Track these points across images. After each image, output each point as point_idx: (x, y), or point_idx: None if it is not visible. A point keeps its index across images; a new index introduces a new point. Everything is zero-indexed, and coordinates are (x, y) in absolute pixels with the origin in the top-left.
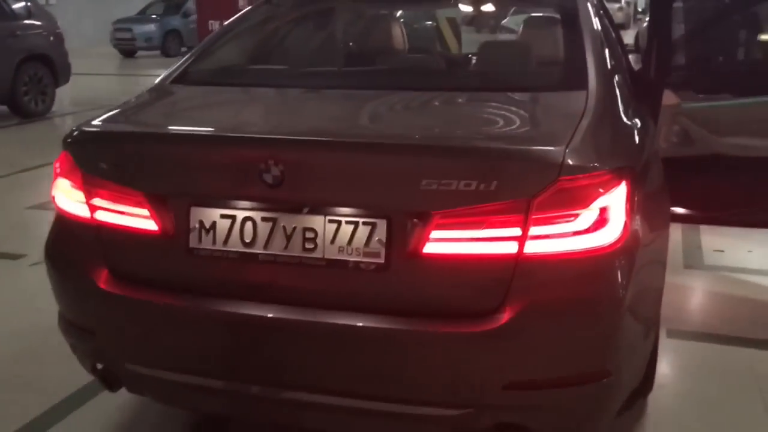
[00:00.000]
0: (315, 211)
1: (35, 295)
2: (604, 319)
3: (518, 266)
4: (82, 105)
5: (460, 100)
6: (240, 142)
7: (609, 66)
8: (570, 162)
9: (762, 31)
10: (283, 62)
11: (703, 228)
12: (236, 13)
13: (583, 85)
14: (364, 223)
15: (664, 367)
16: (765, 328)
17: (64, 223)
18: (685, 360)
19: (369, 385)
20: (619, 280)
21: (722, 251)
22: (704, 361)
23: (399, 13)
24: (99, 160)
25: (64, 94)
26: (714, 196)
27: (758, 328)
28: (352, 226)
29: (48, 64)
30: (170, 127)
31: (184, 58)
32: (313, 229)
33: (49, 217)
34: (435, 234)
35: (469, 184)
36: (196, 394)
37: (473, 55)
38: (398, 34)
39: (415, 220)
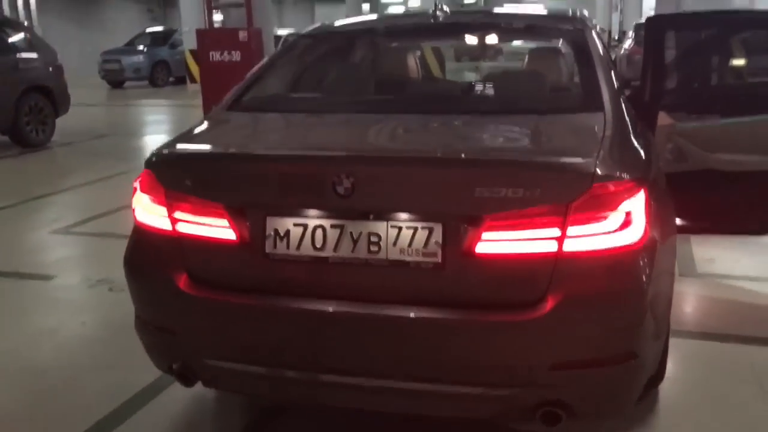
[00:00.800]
0: (379, 217)
1: (76, 310)
2: (631, 307)
3: (558, 262)
4: (81, 135)
5: (495, 120)
6: (315, 159)
7: (617, 90)
8: (601, 172)
9: (746, 56)
10: (324, 91)
11: (694, 239)
12: (237, 45)
13: (599, 107)
14: (422, 228)
15: (669, 363)
16: (758, 326)
17: (143, 234)
18: (688, 356)
19: (431, 369)
20: (643, 273)
21: (713, 260)
22: (706, 357)
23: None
24: (182, 178)
25: (62, 124)
26: (706, 208)
27: (752, 326)
28: (411, 231)
29: (48, 95)
30: (247, 148)
31: (235, 89)
32: (377, 234)
33: (72, 241)
34: (486, 235)
35: (517, 192)
36: (271, 383)
37: (492, 81)
38: (419, 64)
39: (468, 223)
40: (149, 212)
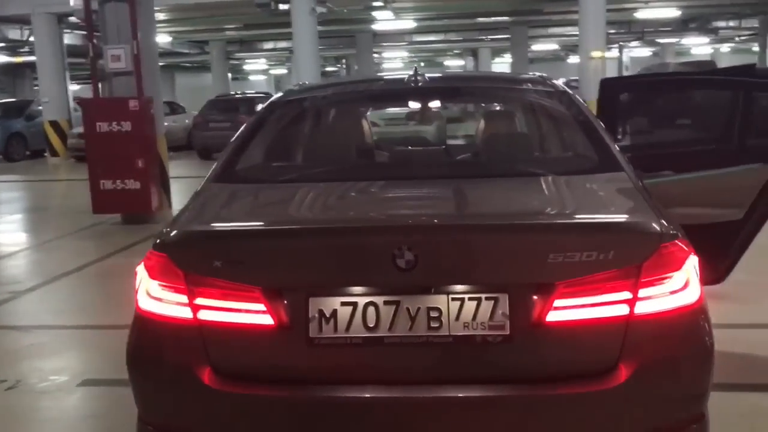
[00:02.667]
0: (439, 291)
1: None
2: (701, 366)
3: (629, 326)
4: None
5: (528, 183)
6: (371, 232)
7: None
8: (664, 231)
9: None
10: (328, 158)
11: None
12: (128, 115)
13: (618, 167)
14: (486, 299)
15: None
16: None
17: (152, 325)
18: None
19: None
20: (707, 331)
21: None
22: None
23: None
24: (207, 260)
25: None
26: None
27: (730, 374)
28: (475, 303)
29: None
30: (281, 223)
31: (222, 160)
32: (437, 308)
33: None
34: (558, 302)
35: (590, 255)
36: None
37: (492, 144)
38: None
39: (538, 291)
40: (162, 300)
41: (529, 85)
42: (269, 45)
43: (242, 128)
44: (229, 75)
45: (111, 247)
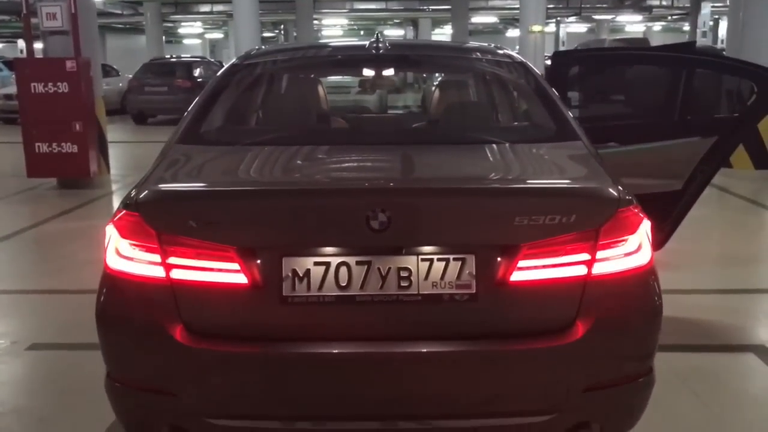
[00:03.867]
0: (409, 252)
1: None
2: (650, 323)
3: (587, 285)
4: None
5: (490, 150)
6: (346, 194)
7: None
8: (621, 197)
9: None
10: (297, 122)
11: None
12: (65, 75)
13: (575, 136)
14: (454, 259)
15: None
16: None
17: (121, 284)
18: None
19: (470, 404)
20: (657, 292)
21: None
22: None
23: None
24: (180, 220)
25: None
26: None
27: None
28: (443, 263)
29: None
30: (257, 183)
31: (187, 121)
32: (407, 269)
33: None
34: (522, 263)
35: (554, 218)
36: None
37: (451, 112)
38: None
39: (503, 252)
40: (133, 259)
41: (488, 55)
42: (206, 8)
43: (204, 90)
44: (163, 38)
45: (48, 212)
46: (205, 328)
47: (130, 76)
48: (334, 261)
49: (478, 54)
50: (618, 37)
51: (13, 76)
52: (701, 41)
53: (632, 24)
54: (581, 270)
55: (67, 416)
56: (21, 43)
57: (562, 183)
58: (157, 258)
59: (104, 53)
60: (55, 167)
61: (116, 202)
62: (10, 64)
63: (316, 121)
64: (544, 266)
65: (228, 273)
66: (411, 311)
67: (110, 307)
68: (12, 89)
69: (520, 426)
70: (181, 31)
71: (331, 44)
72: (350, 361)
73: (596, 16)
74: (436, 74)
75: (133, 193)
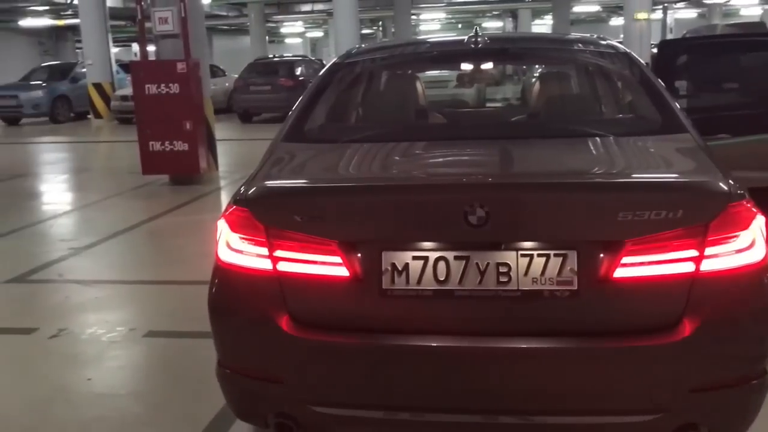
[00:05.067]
0: (508, 247)
1: (77, 365)
2: (764, 324)
3: (694, 283)
4: None
5: (596, 143)
6: (445, 189)
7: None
8: (732, 191)
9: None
10: (393, 119)
11: None
12: (175, 77)
13: (683, 128)
14: (555, 255)
15: None
16: None
17: (232, 275)
18: None
19: (572, 402)
20: None
21: None
22: None
23: None
24: (287, 214)
25: None
26: None
27: None
28: (543, 259)
29: None
30: (358, 179)
31: (291, 120)
32: (506, 264)
33: (32, 289)
34: (626, 260)
35: (659, 214)
36: (387, 427)
37: (553, 104)
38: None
39: (605, 248)
40: (242, 252)
41: (591, 46)
42: (306, 7)
43: (307, 89)
44: (266, 38)
45: (162, 207)
46: (309, 318)
47: (236, 75)
48: (433, 255)
49: (580, 45)
50: (731, 22)
51: (129, 78)
52: None
53: (747, 7)
54: (689, 267)
55: (180, 400)
56: (135, 47)
57: (668, 177)
58: (264, 251)
59: (211, 54)
60: (168, 164)
61: (224, 198)
62: (126, 66)
63: (415, 117)
64: (650, 263)
65: (330, 266)
66: (510, 307)
67: (221, 298)
68: (128, 91)
69: (625, 425)
70: (283, 30)
71: (429, 40)
72: (448, 355)
73: (706, 1)
74: (537, 66)
75: (243, 189)
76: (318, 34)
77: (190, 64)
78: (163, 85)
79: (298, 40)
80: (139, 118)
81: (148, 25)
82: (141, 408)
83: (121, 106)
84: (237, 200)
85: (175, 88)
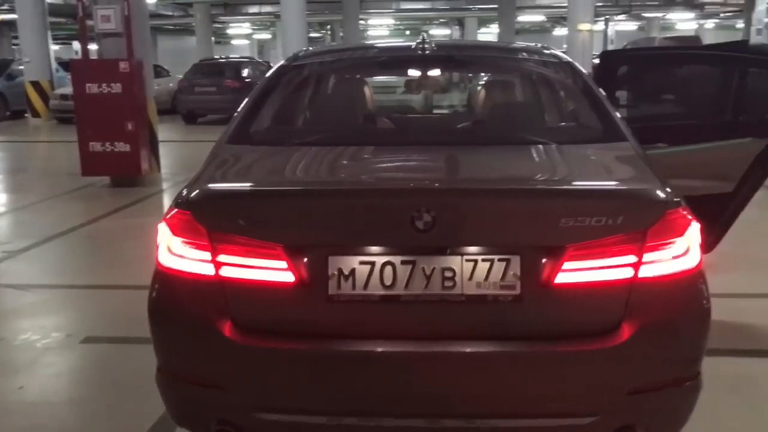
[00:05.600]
0: (454, 252)
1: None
2: (698, 328)
3: (633, 288)
4: None
5: (537, 150)
6: (393, 194)
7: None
8: (669, 199)
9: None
10: (342, 123)
11: None
12: (118, 76)
13: (623, 137)
14: (498, 260)
15: None
16: (719, 340)
17: (173, 281)
18: None
19: (513, 405)
20: (705, 295)
21: None
22: None
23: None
24: (231, 218)
25: None
26: None
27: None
28: (488, 264)
29: None
30: (306, 183)
31: (236, 122)
32: (451, 269)
33: None
34: (567, 265)
35: (600, 220)
36: None
37: (496, 112)
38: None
39: (548, 254)
40: (184, 256)
41: (535, 55)
42: (254, 9)
43: (253, 91)
44: (212, 39)
45: (101, 209)
46: (253, 324)
47: (181, 76)
48: (379, 260)
49: (524, 54)
50: (669, 35)
51: (69, 76)
52: (756, 39)
53: (683, 22)
54: (628, 272)
55: (118, 408)
56: (76, 45)
57: (609, 184)
58: (207, 256)
59: (155, 54)
60: (109, 166)
61: (167, 200)
62: (66, 65)
63: (363, 122)
64: (590, 268)
65: (276, 271)
66: (455, 311)
67: (162, 303)
68: (67, 90)
69: (564, 427)
70: (229, 31)
71: (377, 45)
72: (394, 360)
73: (646, 14)
74: (482, 74)
75: (185, 192)
76: (266, 36)
77: (133, 63)
78: (104, 84)
79: (245, 41)
80: (79, 118)
81: (89, 22)
82: (77, 416)
83: (61, 105)
84: (179, 203)
85: (117, 87)
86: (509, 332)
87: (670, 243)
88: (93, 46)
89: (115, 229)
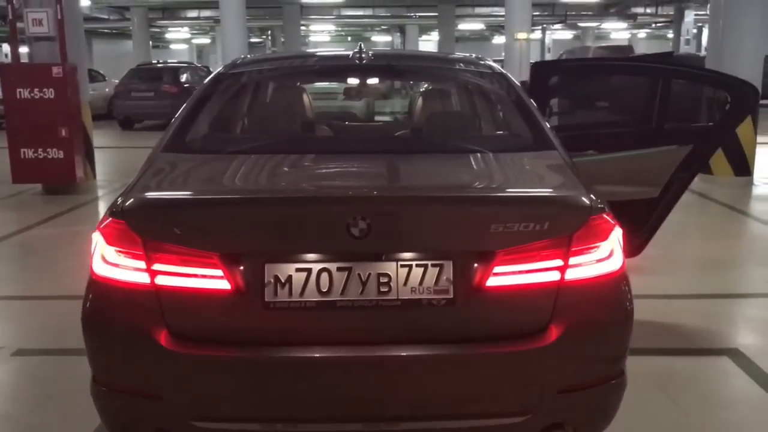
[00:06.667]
0: (389, 258)
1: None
2: (622, 327)
3: (560, 291)
4: None
5: (466, 159)
6: (328, 201)
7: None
8: (593, 205)
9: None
10: (280, 131)
11: None
12: (50, 82)
13: (551, 146)
14: (432, 265)
15: None
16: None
17: (107, 290)
18: None
19: (447, 406)
20: (628, 295)
21: None
22: None
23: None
24: (165, 227)
25: None
26: None
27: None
28: (422, 269)
29: None
30: (240, 192)
31: (172, 130)
32: (387, 274)
33: None
34: (498, 269)
35: (527, 226)
36: None
37: (430, 121)
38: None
39: (479, 258)
40: (118, 265)
41: (471, 66)
42: (193, 13)
43: (190, 99)
44: (150, 43)
45: (33, 218)
46: (189, 332)
47: (117, 81)
48: (316, 267)
49: (461, 64)
50: (603, 45)
51: None
52: (684, 49)
53: (617, 31)
54: (554, 276)
55: (54, 421)
56: (6, 48)
57: (536, 191)
58: (142, 265)
59: (91, 58)
60: (41, 173)
61: (102, 208)
62: None
63: (301, 130)
64: (519, 272)
65: (212, 279)
66: (391, 316)
67: (96, 313)
68: None
69: (496, 427)
70: (168, 36)
71: (315, 54)
72: (331, 365)
73: (581, 24)
74: (421, 83)
75: (120, 200)
76: (205, 40)
77: (67, 68)
78: (36, 89)
79: (184, 46)
80: (9, 124)
81: (20, 25)
82: (10, 431)
83: None
84: (113, 212)
85: (49, 93)
86: (443, 335)
87: (594, 247)
88: (24, 49)
89: (48, 238)
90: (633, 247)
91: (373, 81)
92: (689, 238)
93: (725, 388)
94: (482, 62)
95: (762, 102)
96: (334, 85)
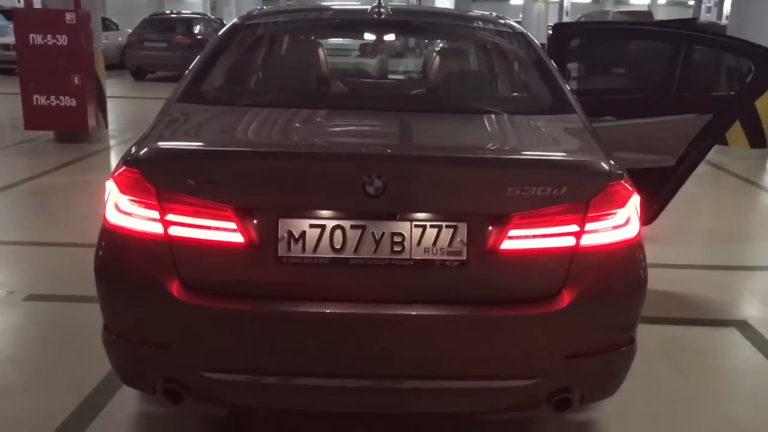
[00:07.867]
0: (403, 218)
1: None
2: (635, 296)
3: (574, 256)
4: None
5: (485, 120)
6: (344, 158)
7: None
8: (612, 171)
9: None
10: (296, 84)
11: None
12: (64, 28)
13: (571, 109)
14: (446, 227)
15: None
16: (657, 308)
17: (120, 239)
18: None
19: (456, 366)
20: (642, 265)
21: None
22: None
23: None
24: (180, 178)
25: None
26: None
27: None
28: (436, 230)
29: None
30: (257, 144)
31: (188, 80)
32: (401, 234)
33: None
34: (513, 232)
35: (545, 190)
36: (280, 393)
37: (449, 80)
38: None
39: (494, 221)
40: (132, 215)
41: (490, 24)
42: None
43: (205, 49)
44: None
45: (46, 165)
46: (201, 284)
47: (130, 30)
48: (330, 224)
49: (480, 23)
50: (622, 10)
51: (11, 25)
52: (705, 17)
53: None
54: (570, 241)
55: (63, 366)
56: None
57: (555, 155)
58: (155, 214)
59: (104, 7)
60: (53, 120)
61: (114, 158)
62: (8, 13)
63: (316, 84)
64: (534, 236)
65: (225, 232)
66: (403, 275)
67: (108, 261)
68: (10, 39)
69: (504, 389)
70: None
71: (332, 7)
72: (341, 322)
73: None
74: (438, 41)
75: (134, 149)
76: None
77: (80, 15)
78: (49, 35)
79: None
80: (22, 70)
81: None
82: (19, 374)
83: (2, 56)
84: (127, 161)
85: (62, 39)
86: (455, 297)
87: (611, 214)
88: None
89: (59, 186)
90: (647, 215)
91: (390, 37)
92: (701, 209)
93: (730, 357)
94: (502, 21)
95: None
96: (347, 41)
